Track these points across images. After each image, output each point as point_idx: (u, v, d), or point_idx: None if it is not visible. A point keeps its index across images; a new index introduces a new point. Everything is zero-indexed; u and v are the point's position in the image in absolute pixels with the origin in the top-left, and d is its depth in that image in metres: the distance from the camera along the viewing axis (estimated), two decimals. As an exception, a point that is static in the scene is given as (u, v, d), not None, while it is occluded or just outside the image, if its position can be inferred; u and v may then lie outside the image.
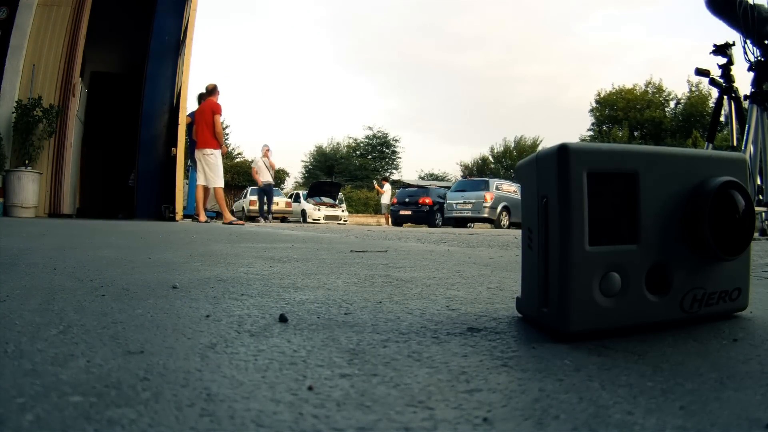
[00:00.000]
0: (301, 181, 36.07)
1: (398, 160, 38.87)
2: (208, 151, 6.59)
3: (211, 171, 6.64)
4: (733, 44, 3.91)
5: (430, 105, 61.66)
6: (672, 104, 34.23)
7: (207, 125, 6.50)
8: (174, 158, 7.89)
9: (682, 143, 28.00)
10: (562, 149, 0.56)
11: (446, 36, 62.66)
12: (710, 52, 4.05)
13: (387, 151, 38.87)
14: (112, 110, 9.21)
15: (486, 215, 12.96)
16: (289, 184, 32.53)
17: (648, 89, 34.43)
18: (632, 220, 0.58)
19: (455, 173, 36.40)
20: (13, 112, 6.63)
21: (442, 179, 30.78)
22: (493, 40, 62.06)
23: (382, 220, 20.15)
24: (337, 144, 39.15)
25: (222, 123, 6.76)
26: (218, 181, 6.69)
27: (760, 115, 3.66)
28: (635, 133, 33.70)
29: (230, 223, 6.38)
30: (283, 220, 17.18)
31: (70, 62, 7.26)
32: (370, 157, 38.56)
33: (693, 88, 32.10)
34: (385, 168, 38.47)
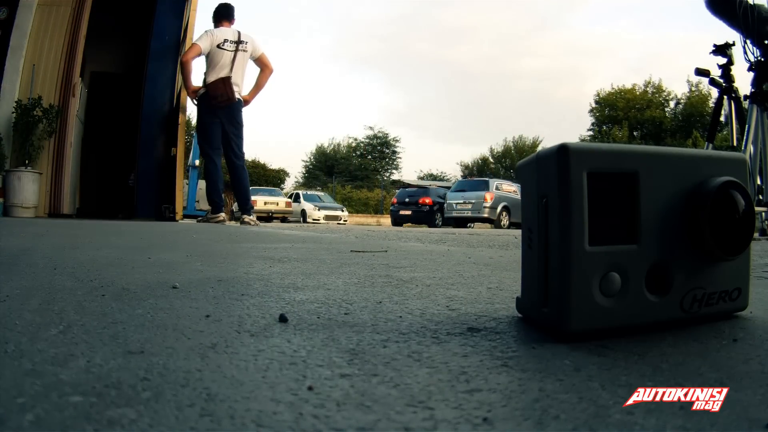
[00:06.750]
0: (301, 180, 36.11)
1: (398, 160, 38.91)
2: None
3: None
4: (733, 44, 3.91)
5: (429, 103, 61.65)
6: (672, 104, 34.27)
7: None
8: (174, 158, 7.88)
9: (682, 143, 28.00)
10: (562, 149, 0.56)
11: (444, 33, 62.63)
12: (710, 52, 4.05)
13: (387, 151, 38.87)
14: (112, 110, 9.20)
15: (486, 215, 12.99)
16: (289, 184, 32.56)
17: (648, 89, 34.44)
18: (632, 220, 0.58)
19: (455, 173, 36.43)
20: (13, 112, 6.62)
21: (441, 179, 30.76)
22: (486, 34, 61.98)
23: (383, 220, 19.93)
24: (338, 144, 39.18)
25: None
26: None
27: (760, 115, 3.66)
28: (635, 133, 33.69)
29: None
30: (283, 220, 17.20)
31: (70, 62, 7.24)
32: (370, 157, 38.56)
33: (693, 88, 32.13)
34: (386, 168, 38.49)
